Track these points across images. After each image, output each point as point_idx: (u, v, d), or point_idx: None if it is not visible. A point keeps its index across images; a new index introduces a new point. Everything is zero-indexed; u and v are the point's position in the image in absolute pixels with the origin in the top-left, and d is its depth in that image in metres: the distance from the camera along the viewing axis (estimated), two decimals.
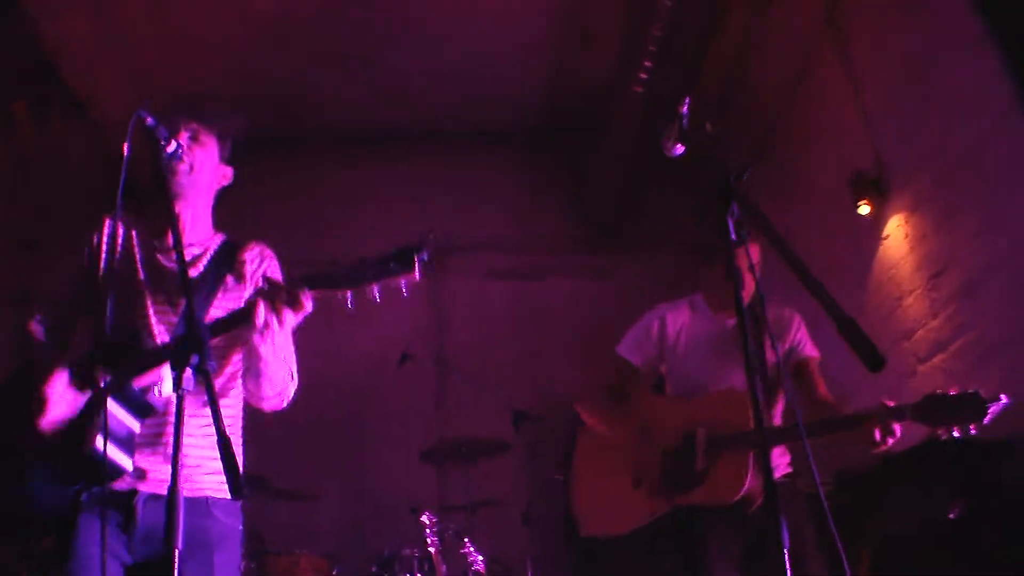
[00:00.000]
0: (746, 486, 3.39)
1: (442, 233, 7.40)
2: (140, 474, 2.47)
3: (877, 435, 3.26)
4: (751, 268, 3.81)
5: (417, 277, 2.22)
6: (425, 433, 6.64)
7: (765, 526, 3.49)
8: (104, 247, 2.72)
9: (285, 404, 2.72)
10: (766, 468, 2.19)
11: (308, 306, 2.31)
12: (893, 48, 5.35)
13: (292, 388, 2.70)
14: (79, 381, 2.43)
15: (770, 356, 3.78)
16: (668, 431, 3.65)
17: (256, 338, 2.38)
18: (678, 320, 3.97)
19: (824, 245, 5.96)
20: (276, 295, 2.30)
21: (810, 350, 3.90)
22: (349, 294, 2.25)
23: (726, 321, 3.91)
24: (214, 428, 1.85)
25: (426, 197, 7.75)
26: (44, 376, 2.41)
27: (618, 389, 3.98)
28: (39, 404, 2.38)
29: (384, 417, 7.19)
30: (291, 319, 2.32)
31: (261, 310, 2.29)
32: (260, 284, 2.59)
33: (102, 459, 2.26)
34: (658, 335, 3.95)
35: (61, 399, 2.41)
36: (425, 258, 2.21)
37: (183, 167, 2.66)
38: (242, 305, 2.45)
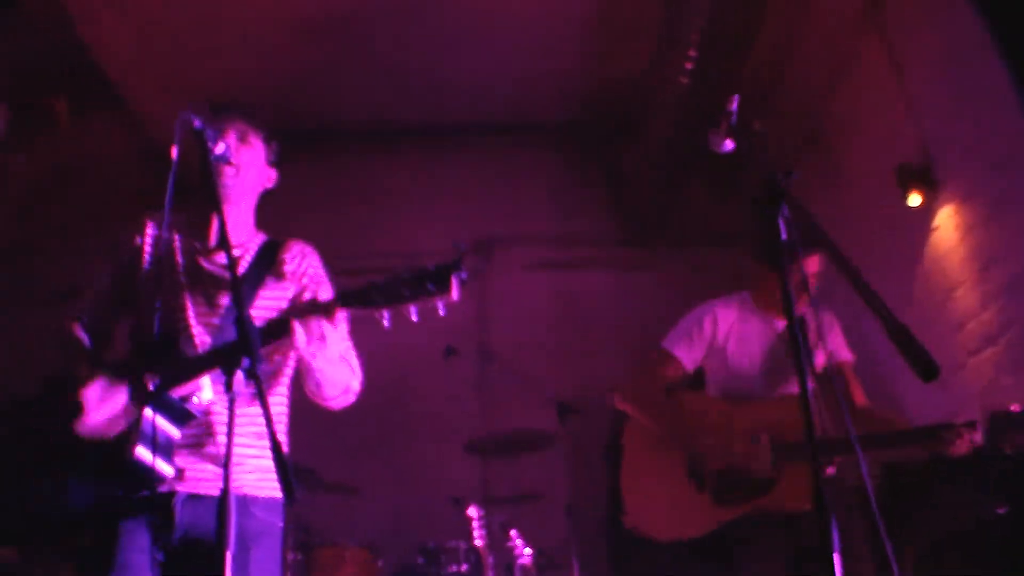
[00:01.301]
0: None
1: (485, 237, 7.46)
2: (178, 474, 2.49)
3: (956, 447, 3.42)
4: (803, 282, 3.65)
5: (455, 298, 2.19)
6: (469, 425, 6.64)
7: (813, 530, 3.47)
8: (147, 249, 2.73)
9: (353, 399, 2.75)
10: (815, 469, 2.15)
11: (342, 322, 2.32)
12: (936, 37, 5.26)
13: (357, 382, 2.74)
14: (114, 385, 2.44)
15: (818, 361, 3.74)
16: (728, 434, 3.58)
17: (303, 353, 2.40)
18: (728, 317, 3.88)
19: (872, 235, 5.89)
20: (309, 315, 2.30)
21: (845, 354, 3.90)
22: (386, 314, 2.23)
23: (775, 322, 3.84)
24: (266, 432, 1.85)
25: (466, 192, 7.76)
26: (82, 382, 2.42)
27: (661, 385, 3.87)
28: (77, 409, 2.39)
29: (428, 410, 7.21)
30: (331, 333, 2.31)
31: (299, 331, 2.29)
32: (303, 288, 2.58)
33: (143, 467, 2.29)
34: (711, 332, 3.85)
35: (99, 406, 2.41)
36: (464, 276, 2.18)
37: (230, 169, 2.66)
38: (286, 305, 2.45)
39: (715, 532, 3.52)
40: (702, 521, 3.54)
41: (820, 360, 3.79)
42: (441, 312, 2.21)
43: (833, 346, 3.88)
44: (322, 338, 2.30)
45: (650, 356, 3.95)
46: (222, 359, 2.31)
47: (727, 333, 3.83)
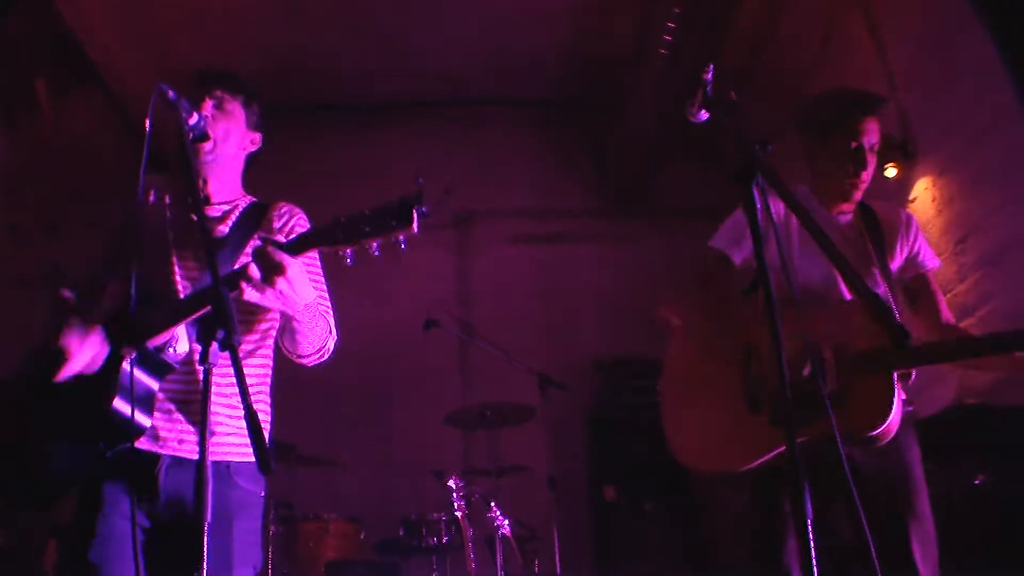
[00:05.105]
0: (893, 412, 2.82)
1: (467, 211, 7.43)
2: (162, 438, 2.48)
3: None
4: (872, 147, 3.27)
5: (416, 231, 2.14)
6: (450, 398, 6.66)
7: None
8: (137, 212, 2.70)
9: (327, 358, 2.69)
10: (788, 427, 2.03)
11: (300, 262, 2.25)
12: (919, 13, 5.27)
13: (332, 342, 2.67)
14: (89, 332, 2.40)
15: (894, 265, 3.23)
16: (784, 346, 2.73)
17: (265, 302, 2.29)
18: (785, 212, 3.19)
19: None
20: (269, 254, 2.22)
21: (931, 260, 3.30)
22: (349, 251, 2.19)
23: (838, 218, 3.29)
24: (241, 403, 1.83)
25: (449, 165, 7.73)
26: (62, 330, 2.37)
27: (714, 288, 3.22)
28: (59, 356, 2.34)
29: (410, 383, 7.22)
30: (296, 275, 2.24)
31: (254, 270, 2.21)
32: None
33: (121, 418, 2.27)
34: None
35: (81, 353, 2.36)
36: (424, 211, 2.14)
37: (207, 145, 2.63)
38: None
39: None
40: (757, 445, 2.88)
41: (897, 263, 3.27)
42: (403, 247, 2.17)
43: (917, 251, 3.28)
44: (288, 279, 2.22)
45: (702, 260, 3.28)
46: (197, 306, 2.31)
47: (786, 229, 3.20)
